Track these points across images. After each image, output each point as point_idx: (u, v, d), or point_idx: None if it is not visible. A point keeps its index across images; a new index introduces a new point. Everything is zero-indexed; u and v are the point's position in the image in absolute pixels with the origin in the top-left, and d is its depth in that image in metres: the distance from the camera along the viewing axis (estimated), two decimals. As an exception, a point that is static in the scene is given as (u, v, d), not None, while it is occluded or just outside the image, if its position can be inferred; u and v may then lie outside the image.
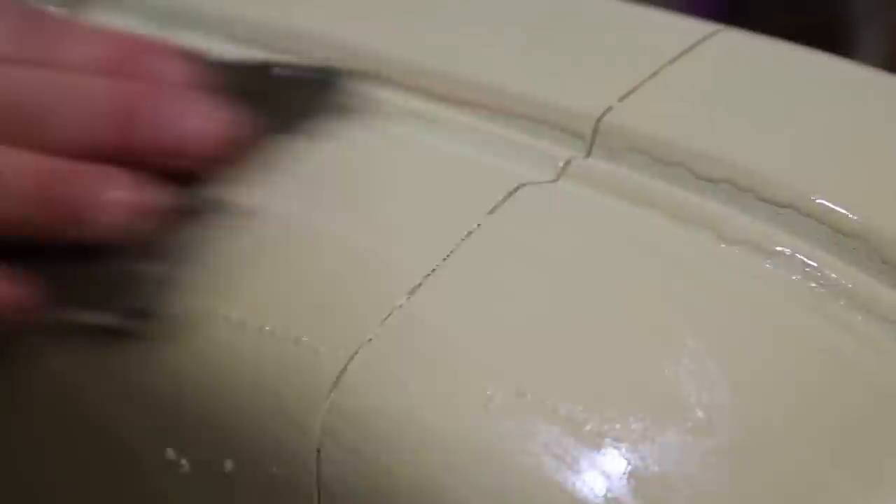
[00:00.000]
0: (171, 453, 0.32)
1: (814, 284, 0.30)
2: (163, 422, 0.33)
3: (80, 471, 0.36)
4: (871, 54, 0.89)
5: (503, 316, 0.30)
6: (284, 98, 0.35)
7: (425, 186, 0.33)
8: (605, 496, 0.27)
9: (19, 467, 0.38)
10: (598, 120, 0.34)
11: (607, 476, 0.27)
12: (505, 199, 0.32)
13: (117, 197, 0.31)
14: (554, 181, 0.33)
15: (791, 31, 0.40)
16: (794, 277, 0.30)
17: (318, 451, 0.29)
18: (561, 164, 0.33)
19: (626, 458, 0.27)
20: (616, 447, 0.27)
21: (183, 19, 0.40)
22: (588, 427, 0.28)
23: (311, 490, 0.30)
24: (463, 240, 0.31)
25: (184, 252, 0.32)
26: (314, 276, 0.31)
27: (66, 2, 0.41)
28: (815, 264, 0.30)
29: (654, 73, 0.35)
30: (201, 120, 0.32)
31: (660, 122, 0.33)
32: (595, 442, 0.27)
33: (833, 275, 0.30)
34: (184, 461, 0.32)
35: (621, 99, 0.34)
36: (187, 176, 0.32)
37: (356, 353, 0.29)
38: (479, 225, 0.31)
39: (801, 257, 0.31)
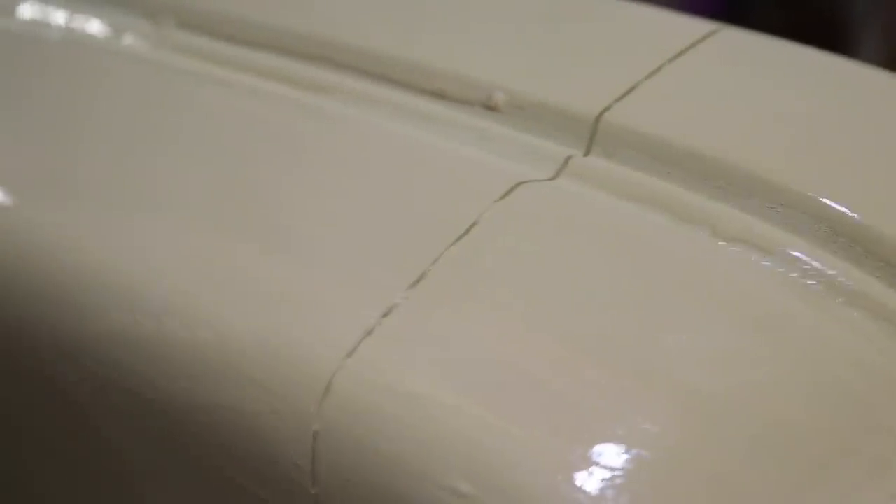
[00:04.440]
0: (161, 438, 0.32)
1: (812, 282, 0.30)
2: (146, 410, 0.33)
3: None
4: (872, 54, 0.89)
5: (497, 315, 0.30)
6: None
7: (422, 184, 0.33)
8: (598, 489, 0.27)
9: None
10: (598, 118, 0.34)
11: (604, 471, 0.27)
12: (503, 197, 0.32)
13: None
14: (553, 179, 0.33)
15: (791, 30, 0.40)
16: (792, 275, 0.30)
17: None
18: (560, 162, 0.33)
19: (631, 450, 0.27)
20: (618, 441, 0.27)
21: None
22: (584, 416, 0.28)
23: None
24: (460, 238, 0.31)
25: None
26: (314, 268, 0.31)
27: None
28: (813, 262, 0.31)
29: (654, 72, 0.35)
30: None
31: (659, 120, 0.34)
32: (593, 434, 0.27)
33: (831, 273, 0.30)
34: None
35: (620, 97, 0.34)
36: None
37: (356, 347, 0.30)
38: (475, 223, 0.31)
39: (800, 255, 0.31)
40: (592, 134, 0.34)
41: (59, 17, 0.42)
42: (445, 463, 0.28)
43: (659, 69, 0.35)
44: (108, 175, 0.36)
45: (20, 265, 0.35)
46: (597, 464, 0.27)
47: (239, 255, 0.33)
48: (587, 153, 0.34)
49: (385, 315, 0.30)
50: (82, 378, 0.34)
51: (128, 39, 0.41)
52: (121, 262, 0.34)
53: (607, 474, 0.27)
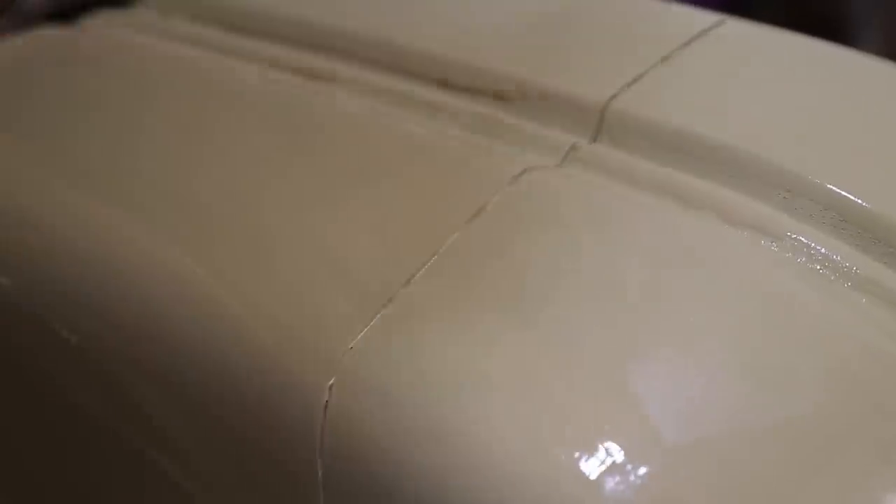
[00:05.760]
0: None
1: (819, 267, 0.30)
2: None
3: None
4: (871, 51, 0.89)
5: (502, 303, 0.30)
6: None
7: (431, 170, 0.33)
8: (603, 476, 0.27)
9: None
10: (605, 106, 0.34)
11: (615, 464, 0.27)
12: (510, 184, 0.32)
13: None
14: (559, 166, 0.33)
15: (790, 27, 0.40)
16: (799, 260, 0.30)
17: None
18: (566, 149, 0.33)
19: (650, 439, 0.27)
20: (623, 433, 0.27)
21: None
22: (590, 405, 0.28)
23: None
24: (468, 222, 0.31)
25: None
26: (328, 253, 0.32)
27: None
28: (820, 248, 0.31)
29: (661, 61, 0.35)
30: None
31: (666, 108, 0.34)
32: (603, 428, 0.27)
33: (838, 258, 0.30)
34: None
35: (627, 86, 0.34)
36: None
37: (362, 331, 0.29)
38: (483, 208, 0.32)
39: (807, 241, 0.31)
40: (600, 122, 0.34)
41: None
42: (445, 460, 0.28)
43: (666, 58, 0.35)
44: (108, 163, 0.36)
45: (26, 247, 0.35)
46: (604, 450, 0.27)
47: (248, 241, 0.33)
48: (594, 141, 0.34)
49: (391, 300, 0.30)
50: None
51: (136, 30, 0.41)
52: (135, 255, 0.34)
53: (613, 460, 0.27)
